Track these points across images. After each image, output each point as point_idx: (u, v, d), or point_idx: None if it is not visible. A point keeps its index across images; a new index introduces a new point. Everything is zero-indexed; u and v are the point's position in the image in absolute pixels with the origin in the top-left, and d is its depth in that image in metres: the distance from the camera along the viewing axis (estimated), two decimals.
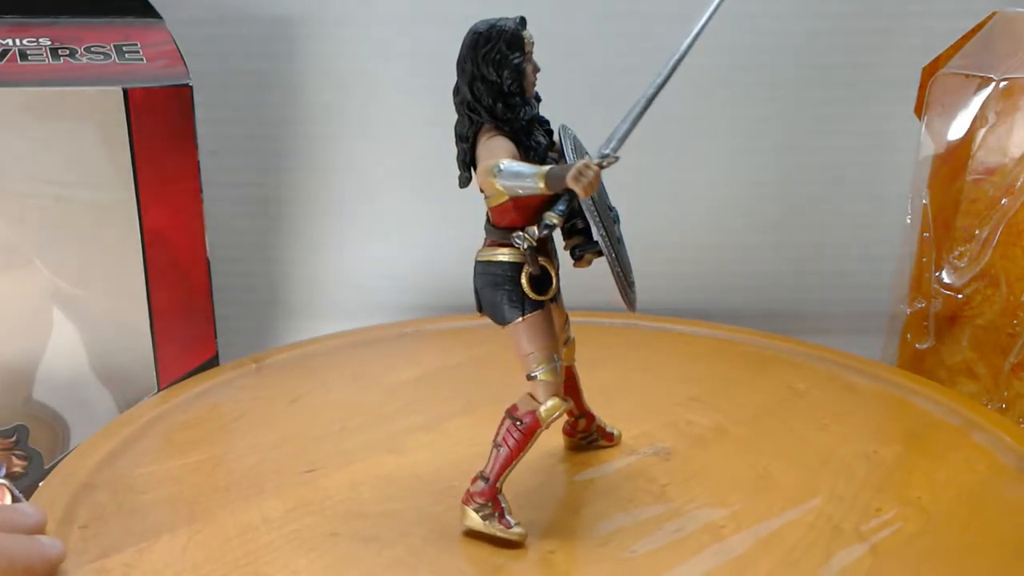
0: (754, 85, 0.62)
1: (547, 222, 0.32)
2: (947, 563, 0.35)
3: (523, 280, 0.33)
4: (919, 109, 0.55)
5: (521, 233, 0.33)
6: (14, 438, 0.49)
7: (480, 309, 0.35)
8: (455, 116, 0.34)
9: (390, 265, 0.66)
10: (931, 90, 0.54)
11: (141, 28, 0.52)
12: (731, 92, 0.62)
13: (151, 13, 0.54)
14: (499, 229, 0.34)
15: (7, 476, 0.48)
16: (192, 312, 0.51)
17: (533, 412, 0.34)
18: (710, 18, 0.34)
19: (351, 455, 0.41)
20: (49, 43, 0.49)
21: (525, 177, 0.31)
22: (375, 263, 0.66)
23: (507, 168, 0.31)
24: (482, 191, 0.34)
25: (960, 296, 0.53)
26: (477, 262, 0.34)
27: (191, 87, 0.47)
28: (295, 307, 0.67)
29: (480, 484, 0.34)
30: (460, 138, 0.34)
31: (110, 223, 0.47)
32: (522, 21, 0.32)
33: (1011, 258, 0.51)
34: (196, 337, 0.51)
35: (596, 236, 0.34)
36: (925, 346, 0.55)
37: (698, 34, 0.34)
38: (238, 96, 0.61)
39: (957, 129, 0.53)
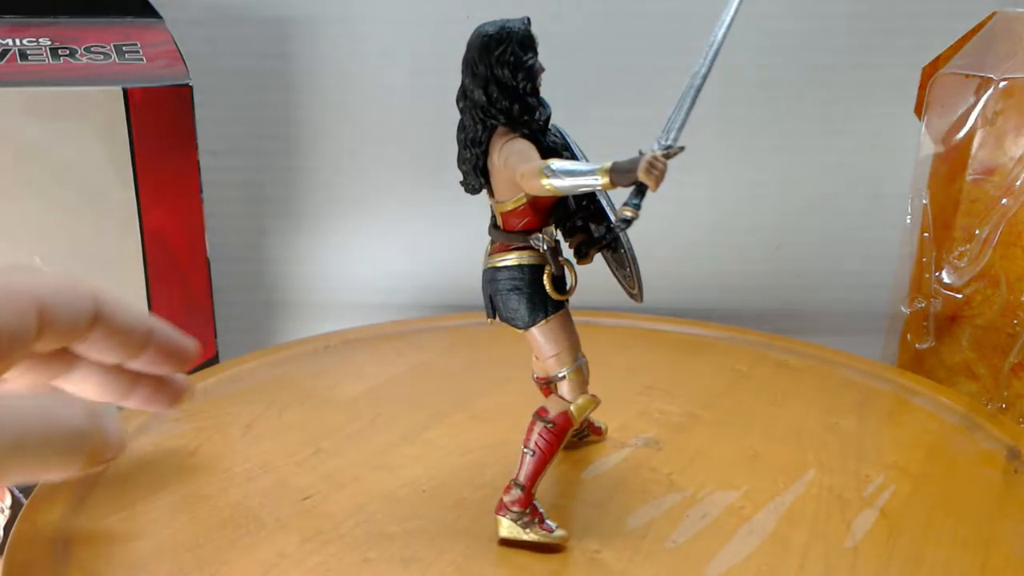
0: (754, 85, 0.62)
1: (625, 216, 0.30)
2: (948, 516, 0.38)
3: (546, 281, 0.33)
4: (919, 109, 0.55)
5: (540, 235, 0.33)
6: None
7: (493, 316, 0.34)
8: (456, 116, 0.34)
9: (390, 265, 0.66)
10: (931, 90, 0.54)
11: (141, 28, 0.52)
12: (731, 92, 0.62)
13: (151, 13, 0.54)
14: (513, 233, 0.33)
15: None
16: (192, 312, 0.51)
17: (564, 412, 0.34)
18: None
19: (341, 477, 0.39)
20: (49, 43, 0.49)
21: (583, 174, 0.30)
22: (375, 263, 0.66)
23: (560, 167, 0.30)
24: (492, 195, 0.34)
25: (960, 296, 0.53)
26: (491, 268, 0.34)
27: (191, 87, 0.47)
28: (295, 307, 0.67)
29: (515, 492, 0.34)
30: (472, 143, 0.33)
31: (110, 223, 0.47)
32: (528, 21, 0.32)
33: (1011, 258, 0.51)
34: (196, 337, 0.51)
35: (617, 230, 0.33)
36: (925, 346, 0.55)
37: (735, 14, 0.34)
38: (238, 96, 0.61)
39: (957, 129, 0.53)
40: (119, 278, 0.48)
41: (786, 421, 0.46)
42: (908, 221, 0.56)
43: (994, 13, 0.51)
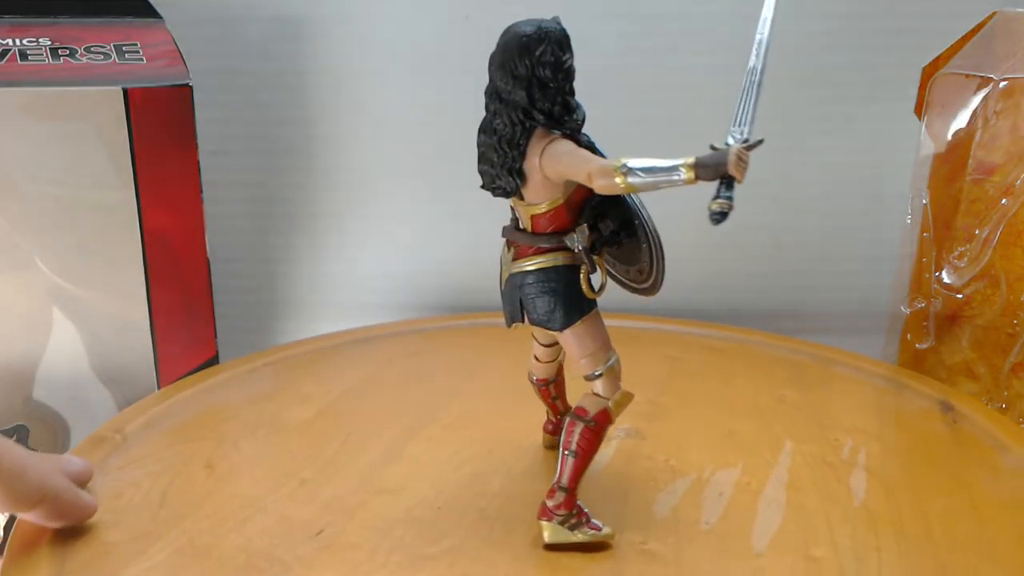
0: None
1: (723, 210, 0.29)
2: (925, 468, 0.40)
3: (582, 280, 0.33)
4: (919, 109, 0.55)
5: (574, 235, 0.33)
6: (14, 438, 0.49)
7: (519, 320, 0.34)
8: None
9: (390, 265, 0.66)
10: (931, 90, 0.54)
11: (141, 28, 0.52)
12: (731, 92, 0.62)
13: (151, 13, 0.54)
14: (543, 235, 0.33)
15: None
16: (192, 312, 0.51)
17: (604, 410, 0.33)
18: None
19: (344, 505, 0.37)
20: (49, 43, 0.49)
21: (666, 171, 0.29)
22: (375, 263, 0.66)
23: (637, 165, 0.29)
24: (522, 198, 0.33)
25: (960, 296, 0.53)
26: (522, 272, 0.33)
27: (191, 87, 0.47)
28: (295, 307, 0.67)
29: (559, 496, 0.33)
30: (509, 145, 0.32)
31: (110, 223, 0.47)
32: (559, 21, 0.32)
33: (1011, 258, 0.51)
34: (196, 337, 0.51)
35: (647, 224, 0.34)
36: (925, 346, 0.55)
37: (774, 12, 0.34)
38: (238, 96, 0.61)
39: (957, 129, 0.53)
40: (119, 278, 0.48)
41: (740, 399, 0.47)
42: (908, 221, 0.56)
43: (994, 13, 0.51)
